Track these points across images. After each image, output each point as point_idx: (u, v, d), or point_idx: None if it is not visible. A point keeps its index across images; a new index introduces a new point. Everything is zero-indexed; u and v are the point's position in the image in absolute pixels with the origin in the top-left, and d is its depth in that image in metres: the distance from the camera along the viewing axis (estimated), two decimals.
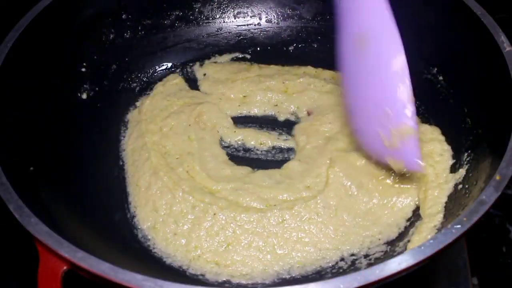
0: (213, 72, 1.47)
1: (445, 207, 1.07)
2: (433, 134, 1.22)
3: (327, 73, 1.44)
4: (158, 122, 1.34)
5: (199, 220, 1.13)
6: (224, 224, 1.12)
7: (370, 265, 1.03)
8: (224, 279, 1.06)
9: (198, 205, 1.15)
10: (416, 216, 1.12)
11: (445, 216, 1.04)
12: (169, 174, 1.21)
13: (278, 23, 1.55)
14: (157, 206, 1.17)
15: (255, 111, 1.38)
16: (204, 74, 1.47)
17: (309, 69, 1.45)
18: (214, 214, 1.13)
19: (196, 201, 1.15)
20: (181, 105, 1.38)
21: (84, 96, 1.33)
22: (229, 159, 1.28)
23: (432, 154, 1.18)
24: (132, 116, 1.38)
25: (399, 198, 1.13)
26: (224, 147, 1.31)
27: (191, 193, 1.17)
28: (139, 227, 1.15)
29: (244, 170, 1.24)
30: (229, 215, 1.12)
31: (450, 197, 1.08)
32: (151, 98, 1.41)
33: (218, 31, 1.54)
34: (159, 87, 1.44)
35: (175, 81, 1.44)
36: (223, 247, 1.09)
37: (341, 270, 1.06)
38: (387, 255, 1.05)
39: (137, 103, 1.41)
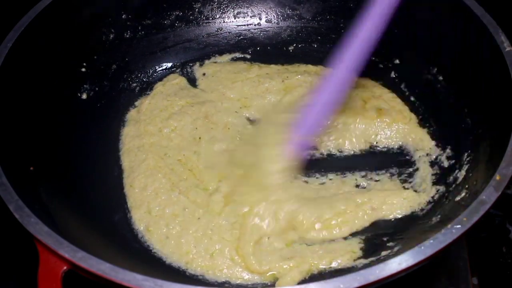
0: (212, 72, 1.46)
1: (442, 208, 1.07)
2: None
3: (328, 72, 1.44)
4: (157, 123, 1.33)
5: (186, 224, 1.12)
6: (206, 230, 1.11)
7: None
8: (224, 280, 1.06)
9: (188, 206, 1.15)
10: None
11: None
12: (168, 176, 1.21)
13: (278, 23, 1.55)
14: (151, 207, 1.16)
15: (255, 113, 1.38)
16: (204, 74, 1.47)
17: (310, 67, 1.45)
18: (199, 218, 1.12)
19: (188, 202, 1.15)
20: (183, 105, 1.37)
21: (84, 96, 1.33)
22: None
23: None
24: (130, 115, 1.38)
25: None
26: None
27: (186, 194, 1.17)
28: (137, 228, 1.15)
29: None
30: (210, 220, 1.12)
31: (449, 197, 1.09)
32: (151, 98, 1.40)
33: (218, 31, 1.54)
34: (159, 87, 1.43)
35: (176, 81, 1.44)
36: (209, 254, 1.08)
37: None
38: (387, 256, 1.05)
39: (136, 103, 1.41)
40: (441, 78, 1.27)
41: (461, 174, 1.11)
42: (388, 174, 1.21)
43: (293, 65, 1.47)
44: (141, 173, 1.23)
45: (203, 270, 1.07)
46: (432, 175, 1.19)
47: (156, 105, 1.38)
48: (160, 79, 1.46)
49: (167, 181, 1.20)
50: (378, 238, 1.10)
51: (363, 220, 1.12)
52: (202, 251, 1.09)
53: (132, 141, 1.31)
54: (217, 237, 1.10)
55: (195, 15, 1.52)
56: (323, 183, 1.20)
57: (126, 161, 1.27)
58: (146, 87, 1.45)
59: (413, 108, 1.32)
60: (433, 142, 1.24)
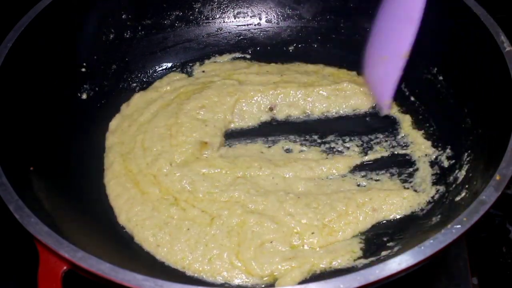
0: (211, 69, 1.46)
1: (442, 208, 1.07)
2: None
3: (327, 70, 1.44)
4: (135, 117, 1.32)
5: (175, 234, 1.09)
6: (200, 239, 1.08)
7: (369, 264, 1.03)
8: (223, 281, 1.05)
9: (169, 221, 1.12)
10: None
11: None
12: (137, 187, 1.17)
13: (278, 23, 1.54)
14: (129, 217, 1.13)
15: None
16: (203, 71, 1.46)
17: (310, 67, 1.45)
18: (188, 229, 1.10)
19: (167, 217, 1.12)
20: (174, 96, 1.37)
21: (84, 96, 1.33)
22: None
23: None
24: (121, 108, 1.37)
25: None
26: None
27: (160, 210, 1.13)
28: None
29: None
30: (202, 231, 1.10)
31: (449, 197, 1.09)
32: (144, 92, 1.40)
33: (218, 31, 1.54)
34: (156, 83, 1.43)
35: (176, 78, 1.44)
36: (207, 259, 1.06)
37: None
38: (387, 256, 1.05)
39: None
40: (441, 78, 1.27)
41: (461, 174, 1.11)
42: (388, 174, 1.21)
43: (293, 63, 1.47)
44: (112, 178, 1.20)
45: (202, 273, 1.06)
46: (432, 175, 1.19)
47: (145, 97, 1.38)
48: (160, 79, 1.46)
49: (137, 192, 1.17)
50: (378, 238, 1.10)
51: (365, 222, 1.12)
52: (199, 257, 1.07)
53: (109, 138, 1.29)
54: (214, 244, 1.08)
55: (195, 15, 1.52)
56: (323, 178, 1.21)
57: (104, 161, 1.25)
58: (146, 87, 1.44)
59: (413, 108, 1.33)
60: (429, 142, 1.24)
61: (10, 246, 1.22)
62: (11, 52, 1.09)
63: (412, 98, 1.35)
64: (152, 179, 1.19)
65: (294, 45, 1.52)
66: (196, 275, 1.06)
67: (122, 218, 1.14)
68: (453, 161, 1.17)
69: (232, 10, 1.55)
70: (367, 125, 1.32)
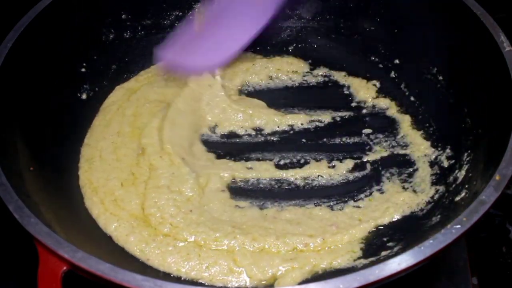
0: None
1: (442, 208, 1.07)
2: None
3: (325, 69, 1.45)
4: (105, 114, 1.32)
5: (166, 248, 1.05)
6: (193, 248, 1.05)
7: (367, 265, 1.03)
8: (222, 284, 1.03)
9: (156, 238, 1.06)
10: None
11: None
12: (102, 205, 1.12)
13: (278, 23, 1.54)
14: (110, 231, 1.08)
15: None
16: None
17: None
18: (178, 243, 1.06)
19: (153, 235, 1.07)
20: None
21: (84, 96, 1.33)
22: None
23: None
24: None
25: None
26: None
27: (140, 228, 1.08)
28: None
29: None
30: (191, 242, 1.06)
31: (449, 197, 1.09)
32: (124, 85, 1.41)
33: None
34: (142, 74, 1.44)
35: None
36: (203, 266, 1.03)
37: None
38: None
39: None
40: (441, 78, 1.27)
41: (461, 174, 1.10)
42: (388, 174, 1.21)
43: (296, 58, 1.48)
44: (81, 186, 1.16)
45: (200, 279, 1.02)
46: (432, 175, 1.19)
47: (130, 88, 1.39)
48: None
49: (106, 210, 1.10)
50: (378, 238, 1.10)
51: (364, 230, 1.10)
52: (195, 265, 1.03)
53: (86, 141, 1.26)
54: (207, 253, 1.04)
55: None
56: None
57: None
58: None
59: (413, 108, 1.33)
60: (429, 142, 1.24)
61: (10, 246, 1.22)
62: (11, 52, 1.09)
63: (412, 98, 1.35)
64: (114, 202, 1.13)
65: (294, 45, 1.52)
66: (194, 280, 1.04)
67: (105, 229, 1.09)
68: (453, 161, 1.17)
69: None
70: (367, 125, 1.32)
